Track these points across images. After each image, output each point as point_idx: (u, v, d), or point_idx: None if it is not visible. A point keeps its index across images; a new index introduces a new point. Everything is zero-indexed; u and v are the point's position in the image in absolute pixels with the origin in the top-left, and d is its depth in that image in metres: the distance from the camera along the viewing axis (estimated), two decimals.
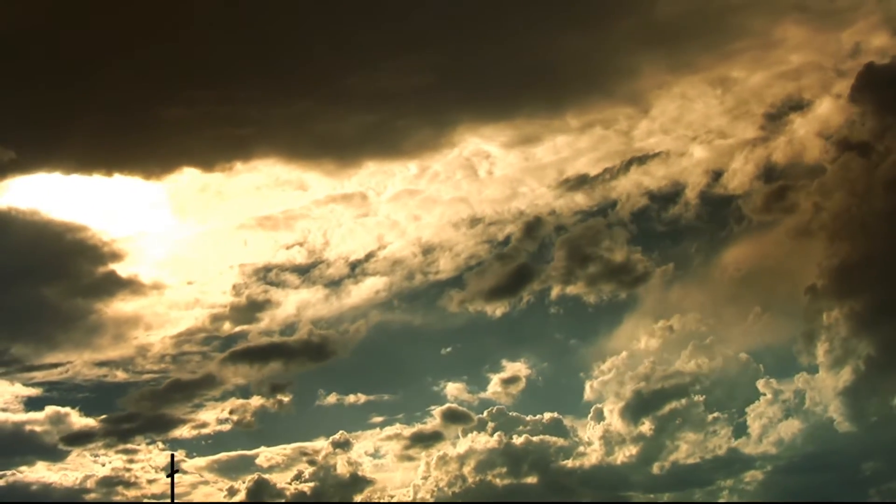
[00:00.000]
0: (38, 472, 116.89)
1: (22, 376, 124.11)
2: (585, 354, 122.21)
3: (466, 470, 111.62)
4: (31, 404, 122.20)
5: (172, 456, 76.00)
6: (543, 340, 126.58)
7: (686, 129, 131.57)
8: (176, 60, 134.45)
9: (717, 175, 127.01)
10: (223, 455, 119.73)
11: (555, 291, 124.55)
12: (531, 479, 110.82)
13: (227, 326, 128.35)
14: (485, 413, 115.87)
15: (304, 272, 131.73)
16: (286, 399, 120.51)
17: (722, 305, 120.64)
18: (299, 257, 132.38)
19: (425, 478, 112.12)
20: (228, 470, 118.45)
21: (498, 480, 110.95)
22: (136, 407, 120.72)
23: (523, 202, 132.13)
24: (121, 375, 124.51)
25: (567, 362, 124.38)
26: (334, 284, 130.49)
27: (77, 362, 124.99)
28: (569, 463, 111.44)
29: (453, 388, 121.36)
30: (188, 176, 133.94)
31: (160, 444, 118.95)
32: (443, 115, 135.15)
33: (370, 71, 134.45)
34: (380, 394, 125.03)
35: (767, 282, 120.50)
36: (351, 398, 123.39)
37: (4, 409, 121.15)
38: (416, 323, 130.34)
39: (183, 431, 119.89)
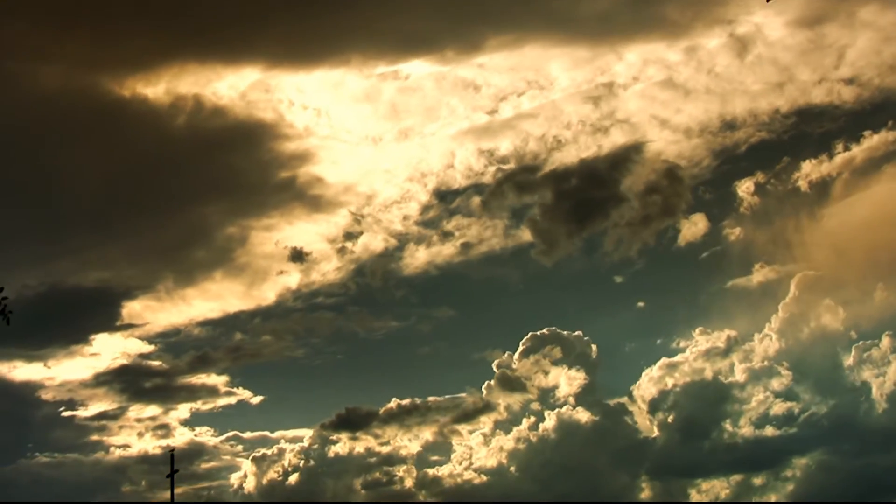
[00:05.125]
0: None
1: (139, 330, 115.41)
2: None
3: (520, 447, 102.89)
4: (136, 362, 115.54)
5: (172, 455, 71.13)
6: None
7: None
8: None
9: None
10: (246, 430, 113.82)
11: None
12: (592, 458, 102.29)
13: (379, 270, 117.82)
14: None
15: (498, 197, 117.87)
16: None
17: None
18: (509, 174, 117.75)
19: (465, 458, 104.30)
20: (253, 445, 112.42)
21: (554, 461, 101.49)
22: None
23: (781, 97, 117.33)
24: (237, 337, 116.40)
25: None
26: (517, 217, 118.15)
27: (204, 311, 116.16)
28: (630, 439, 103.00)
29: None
30: (409, 69, 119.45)
31: (181, 415, 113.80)
32: None
33: None
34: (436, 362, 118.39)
35: None
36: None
37: (105, 372, 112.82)
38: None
39: (210, 404, 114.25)
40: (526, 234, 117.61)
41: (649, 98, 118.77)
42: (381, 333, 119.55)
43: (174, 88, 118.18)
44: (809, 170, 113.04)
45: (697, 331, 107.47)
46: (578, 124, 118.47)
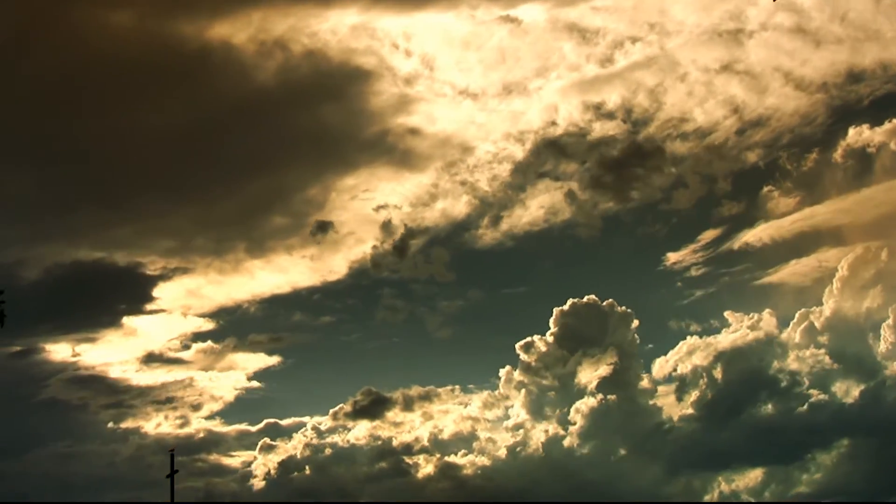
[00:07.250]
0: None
1: (200, 307, 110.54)
2: None
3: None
4: (185, 344, 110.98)
5: (172, 455, 68.70)
6: None
7: None
8: None
9: None
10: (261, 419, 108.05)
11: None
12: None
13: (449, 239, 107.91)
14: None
15: (589, 153, 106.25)
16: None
17: None
18: (613, 129, 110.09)
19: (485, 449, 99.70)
20: (282, 433, 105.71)
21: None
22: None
23: None
24: (297, 317, 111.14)
25: None
26: (602, 186, 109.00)
27: (271, 286, 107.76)
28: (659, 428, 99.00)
29: None
30: (522, 12, 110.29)
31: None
32: None
33: None
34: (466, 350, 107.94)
35: None
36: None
37: (134, 359, 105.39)
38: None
39: (240, 392, 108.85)
40: (618, 202, 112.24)
41: (775, 48, 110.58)
42: (447, 315, 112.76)
43: (262, 34, 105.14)
44: None
45: (729, 313, 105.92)
46: (694, 76, 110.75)
